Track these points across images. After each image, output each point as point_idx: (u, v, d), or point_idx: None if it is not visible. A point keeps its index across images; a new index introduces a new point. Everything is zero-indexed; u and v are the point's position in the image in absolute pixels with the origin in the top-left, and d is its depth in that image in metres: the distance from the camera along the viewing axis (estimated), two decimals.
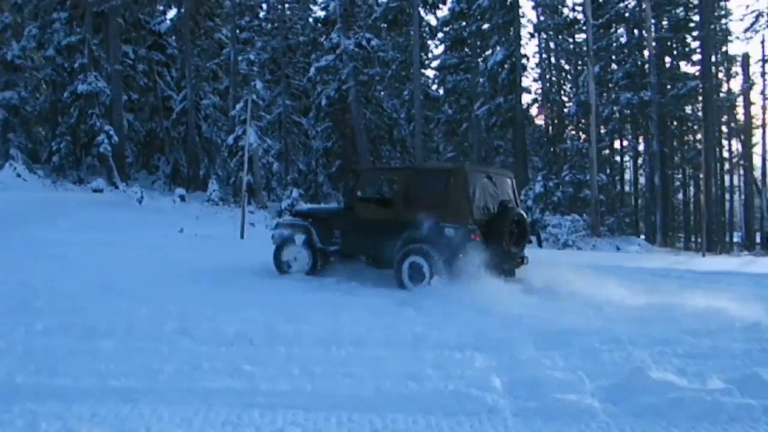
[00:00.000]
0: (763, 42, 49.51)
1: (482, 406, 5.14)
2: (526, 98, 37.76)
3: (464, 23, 36.90)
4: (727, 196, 46.71)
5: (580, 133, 39.13)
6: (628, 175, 48.18)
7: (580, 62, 42.99)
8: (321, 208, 13.63)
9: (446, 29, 38.15)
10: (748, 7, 43.80)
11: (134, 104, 39.13)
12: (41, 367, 5.64)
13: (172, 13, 41.74)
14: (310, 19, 41.21)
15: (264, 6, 41.40)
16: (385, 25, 35.81)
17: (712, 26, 36.62)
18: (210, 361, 5.91)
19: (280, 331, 6.93)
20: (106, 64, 35.29)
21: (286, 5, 39.94)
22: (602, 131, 36.80)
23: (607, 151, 42.00)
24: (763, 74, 42.62)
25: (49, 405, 4.92)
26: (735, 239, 45.46)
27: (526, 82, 38.53)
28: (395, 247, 10.48)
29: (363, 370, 5.85)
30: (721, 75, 44.44)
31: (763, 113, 43.45)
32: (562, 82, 47.41)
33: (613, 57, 39.27)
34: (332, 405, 5.13)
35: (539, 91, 42.98)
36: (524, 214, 11.05)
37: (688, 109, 38.37)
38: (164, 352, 6.15)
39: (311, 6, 43.00)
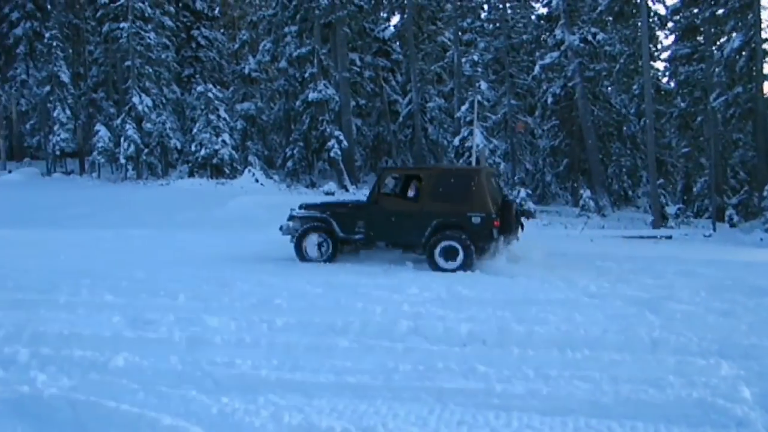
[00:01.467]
0: None
1: (730, 418, 4.77)
2: None
3: (696, 10, 34.89)
4: None
5: None
6: None
7: None
8: (339, 202, 15.22)
9: (676, 18, 36.15)
10: None
11: (362, 109, 40.49)
12: (283, 362, 5.90)
13: (395, 20, 42.87)
14: (533, 17, 40.66)
15: (485, 6, 41.43)
16: (611, 18, 34.58)
17: None
18: (444, 360, 5.90)
19: (512, 331, 6.80)
20: (334, 72, 36.79)
21: (508, 4, 39.63)
22: None
23: None
24: None
25: (291, 398, 5.13)
26: None
27: (767, 68, 35.50)
28: (424, 234, 12.27)
29: (600, 375, 5.63)
30: None
31: None
32: None
33: None
34: (569, 409, 4.98)
35: None
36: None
37: None
38: (399, 350, 6.21)
39: (533, 3, 42.49)
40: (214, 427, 4.53)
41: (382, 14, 44.29)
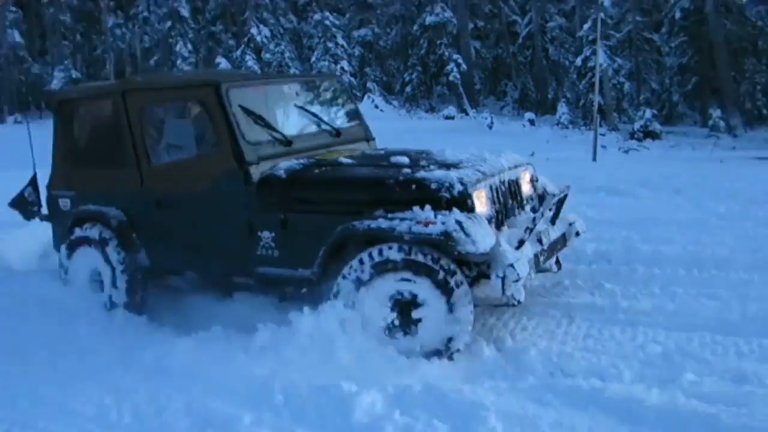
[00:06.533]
0: None
1: None
2: None
3: None
4: None
5: None
6: None
7: None
8: None
9: None
10: None
11: (480, 31, 39.83)
12: None
13: None
14: None
15: None
16: None
17: None
18: (570, 278, 6.03)
19: (638, 250, 6.76)
20: None
21: None
22: None
23: None
24: None
25: None
26: None
27: None
28: None
29: (728, 293, 5.62)
30: None
31: None
32: None
33: None
34: (694, 326, 5.04)
35: None
36: None
37: None
38: None
39: None
40: None
41: None
